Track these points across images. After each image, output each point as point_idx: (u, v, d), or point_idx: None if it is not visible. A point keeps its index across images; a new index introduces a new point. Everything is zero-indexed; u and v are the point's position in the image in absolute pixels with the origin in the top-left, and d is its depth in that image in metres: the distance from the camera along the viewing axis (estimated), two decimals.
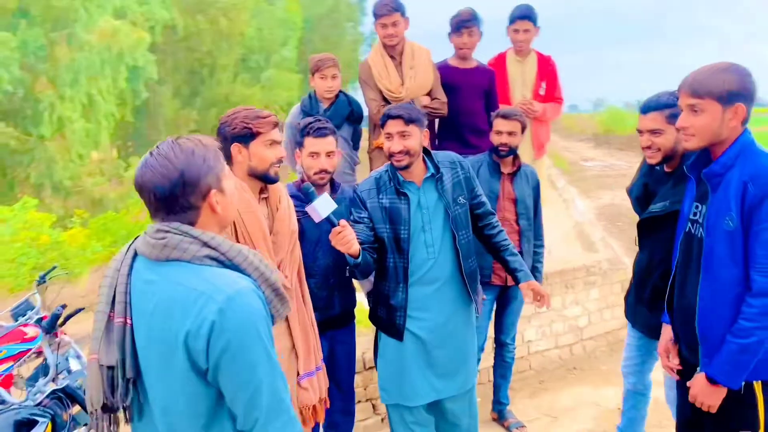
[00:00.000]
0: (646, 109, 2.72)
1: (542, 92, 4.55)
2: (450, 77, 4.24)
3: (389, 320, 2.94)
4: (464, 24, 4.20)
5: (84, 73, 14.59)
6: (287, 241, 2.60)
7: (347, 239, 2.59)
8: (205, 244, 1.60)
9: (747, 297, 2.15)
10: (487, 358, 4.26)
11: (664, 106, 2.67)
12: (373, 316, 3.06)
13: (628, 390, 3.31)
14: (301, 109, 3.95)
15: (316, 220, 2.59)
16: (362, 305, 3.49)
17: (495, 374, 4.11)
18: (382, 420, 4.09)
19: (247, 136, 2.45)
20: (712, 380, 2.24)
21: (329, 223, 2.60)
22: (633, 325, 3.13)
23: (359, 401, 4.03)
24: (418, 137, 2.83)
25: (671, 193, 2.70)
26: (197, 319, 1.51)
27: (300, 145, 2.99)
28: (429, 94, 4.14)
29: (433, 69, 4.17)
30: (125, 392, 1.64)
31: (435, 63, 4.25)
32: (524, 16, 4.45)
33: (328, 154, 2.94)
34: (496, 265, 3.72)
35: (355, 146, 4.12)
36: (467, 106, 4.21)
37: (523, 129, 3.69)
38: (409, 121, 2.79)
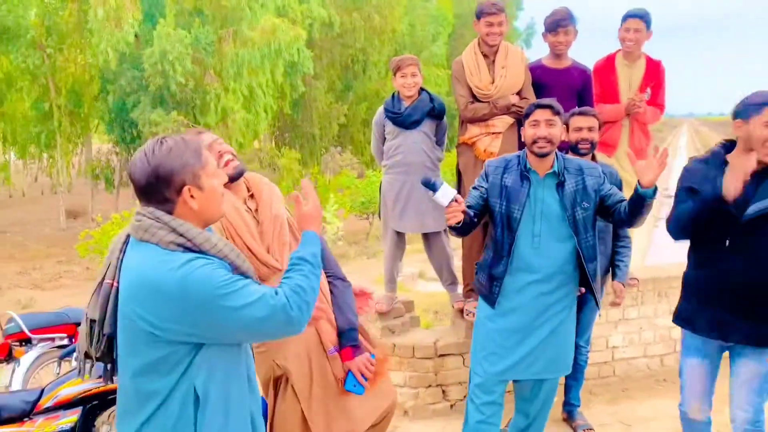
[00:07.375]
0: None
1: (647, 97, 4.41)
2: (541, 77, 4.24)
3: (488, 288, 3.14)
4: (560, 23, 4.18)
5: (246, 67, 15.88)
6: (272, 227, 2.73)
7: (452, 215, 2.85)
8: (174, 231, 1.73)
9: None
10: None
11: None
12: (477, 282, 3.29)
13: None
14: (384, 108, 4.19)
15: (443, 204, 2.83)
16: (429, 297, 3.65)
17: (567, 376, 4.09)
18: (452, 406, 4.24)
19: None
20: None
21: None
22: (727, 339, 2.82)
23: (429, 386, 4.21)
24: (560, 129, 3.03)
25: None
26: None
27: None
28: (519, 93, 4.18)
29: (525, 70, 4.21)
30: (99, 345, 1.89)
31: (529, 62, 4.29)
32: (637, 15, 4.32)
33: None
34: None
35: (439, 141, 4.29)
36: None
37: (600, 126, 3.72)
38: (556, 112, 3.00)
